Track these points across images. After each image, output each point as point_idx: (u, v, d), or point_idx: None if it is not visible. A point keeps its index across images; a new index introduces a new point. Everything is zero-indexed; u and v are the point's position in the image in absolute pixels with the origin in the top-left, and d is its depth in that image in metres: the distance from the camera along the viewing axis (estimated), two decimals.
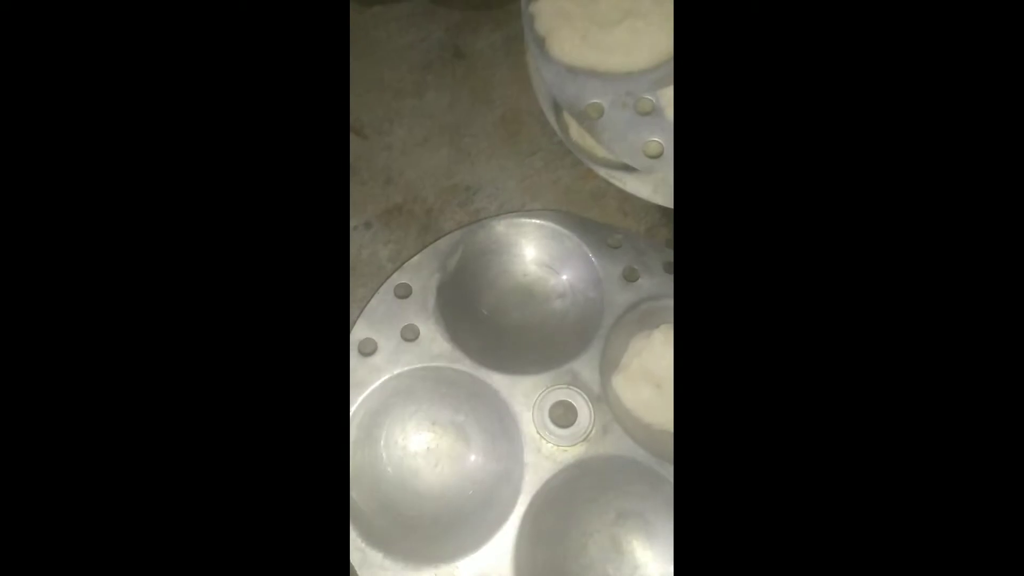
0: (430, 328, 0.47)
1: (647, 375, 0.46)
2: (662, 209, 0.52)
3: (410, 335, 0.47)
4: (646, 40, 0.44)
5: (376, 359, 0.46)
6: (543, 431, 0.44)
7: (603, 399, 0.45)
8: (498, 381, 0.46)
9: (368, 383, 0.46)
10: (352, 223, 0.55)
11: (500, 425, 0.45)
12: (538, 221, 0.51)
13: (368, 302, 0.49)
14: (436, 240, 0.52)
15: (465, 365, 0.46)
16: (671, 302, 0.48)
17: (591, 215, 0.53)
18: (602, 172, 0.49)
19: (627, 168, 0.48)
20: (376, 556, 0.42)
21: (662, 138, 0.43)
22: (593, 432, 0.44)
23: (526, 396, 0.45)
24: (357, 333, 0.47)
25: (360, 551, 0.42)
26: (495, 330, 0.49)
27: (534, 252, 0.51)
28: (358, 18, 0.61)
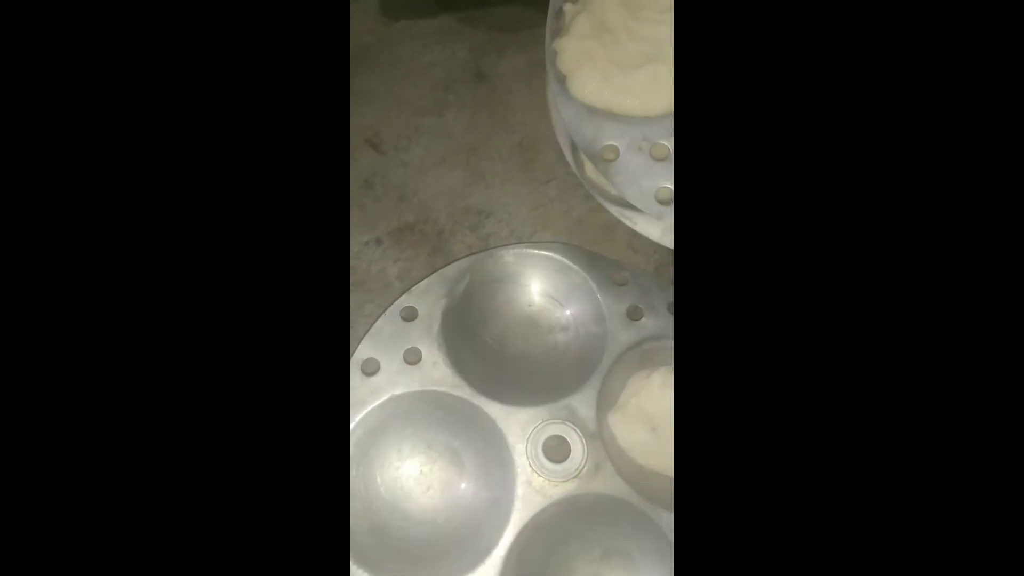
0: (433, 353, 0.48)
1: (643, 416, 0.47)
2: (671, 248, 0.53)
3: (412, 358, 0.48)
4: (666, 86, 0.44)
5: (377, 379, 0.47)
6: (536, 464, 0.45)
7: (598, 436, 0.46)
8: (495, 411, 0.46)
9: (367, 403, 0.47)
10: (363, 238, 0.55)
11: (494, 454, 0.46)
12: (546, 253, 0.51)
13: (374, 322, 0.49)
14: (444, 263, 0.52)
15: (464, 392, 0.47)
16: (672, 343, 0.48)
17: (600, 248, 0.53)
18: (613, 210, 0.50)
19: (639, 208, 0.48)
20: None
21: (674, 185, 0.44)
22: (585, 469, 0.45)
23: (522, 428, 0.46)
24: (361, 353, 0.48)
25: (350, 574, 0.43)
26: (496, 359, 0.50)
27: (540, 284, 0.52)
28: (384, 32, 0.62)
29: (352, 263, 0.55)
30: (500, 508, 0.44)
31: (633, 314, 0.49)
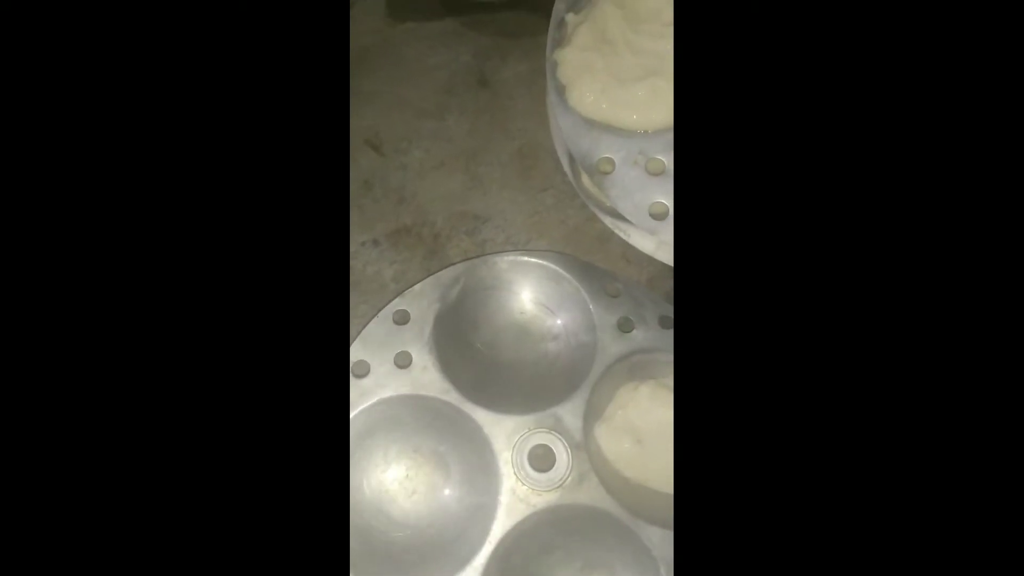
0: (423, 357, 0.48)
1: (630, 428, 0.47)
2: None
3: (403, 362, 0.48)
4: (665, 100, 0.44)
5: (367, 381, 0.47)
6: (520, 473, 0.45)
7: (583, 447, 0.46)
8: (482, 417, 0.46)
9: (356, 405, 0.47)
10: (361, 239, 0.56)
11: (480, 461, 0.46)
12: (540, 261, 0.51)
13: (366, 325, 0.50)
14: (440, 267, 0.53)
15: (452, 397, 0.47)
16: (663, 356, 0.49)
17: (594, 258, 0.53)
18: (608, 222, 0.50)
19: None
20: None
21: (669, 200, 0.44)
22: (569, 480, 0.45)
23: (508, 436, 0.46)
24: (352, 354, 0.48)
25: None
26: (486, 365, 0.50)
27: (533, 292, 0.52)
28: (388, 32, 0.62)
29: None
30: (483, 515, 0.45)
31: (624, 326, 0.49)
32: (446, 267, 0.53)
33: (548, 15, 0.57)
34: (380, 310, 0.51)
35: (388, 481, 0.48)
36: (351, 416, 0.47)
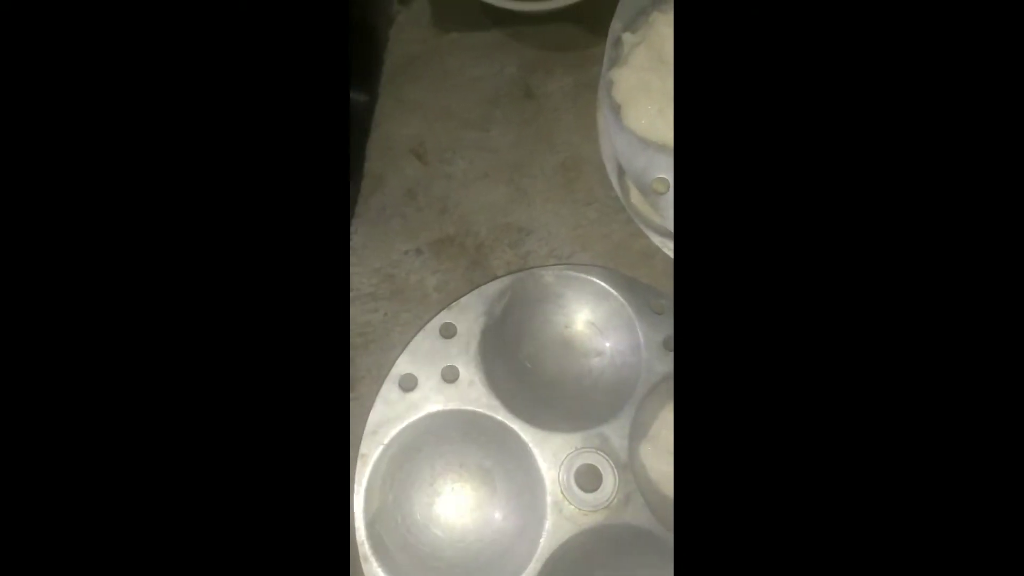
0: (470, 372, 0.48)
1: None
2: None
3: (450, 376, 0.48)
4: None
5: (414, 395, 0.48)
6: (567, 492, 0.45)
7: (629, 467, 0.46)
8: (530, 434, 0.47)
9: (404, 418, 0.47)
10: (404, 248, 0.56)
11: (526, 478, 0.47)
12: (586, 276, 0.51)
13: (413, 336, 0.50)
14: (482, 277, 0.53)
15: (500, 414, 0.47)
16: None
17: (638, 274, 0.53)
18: (655, 239, 0.50)
19: None
20: None
21: None
22: (616, 500, 0.45)
23: (555, 454, 0.46)
24: (399, 367, 0.48)
25: None
26: (532, 381, 0.50)
27: (579, 307, 0.52)
28: (434, 42, 0.62)
29: (391, 271, 0.55)
30: (529, 533, 0.45)
31: (670, 345, 0.49)
32: (490, 279, 0.53)
33: (593, 28, 0.57)
34: (423, 320, 0.52)
35: (435, 495, 0.48)
36: (399, 429, 0.47)
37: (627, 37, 0.47)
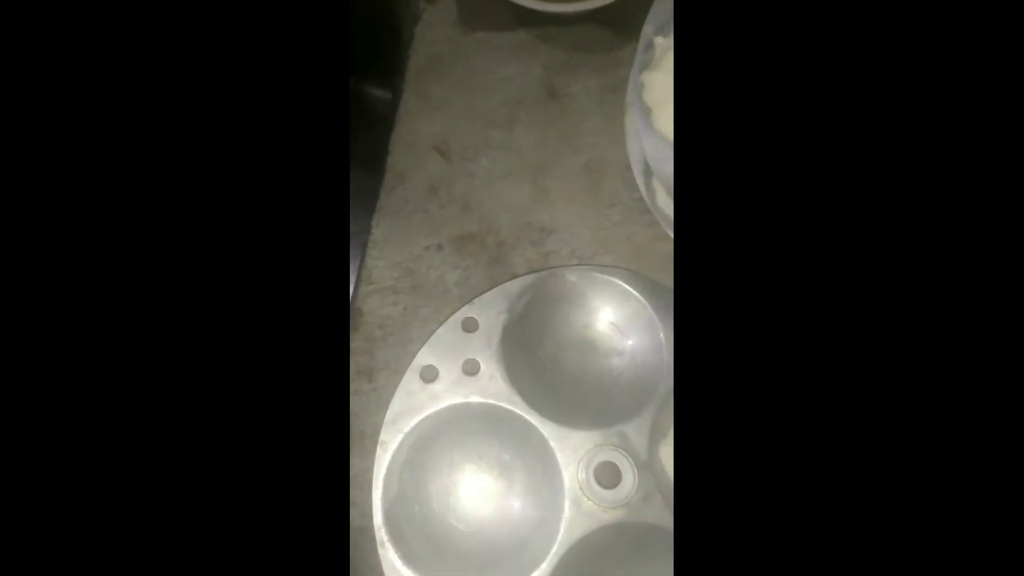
0: (491, 366, 0.48)
1: None
2: None
3: (471, 369, 0.48)
4: None
5: (435, 387, 0.48)
6: (586, 488, 0.46)
7: (648, 466, 0.46)
8: (549, 430, 0.47)
9: (425, 408, 0.47)
10: (425, 243, 0.56)
11: (544, 473, 0.47)
12: (609, 278, 0.52)
13: (435, 330, 0.50)
14: (503, 275, 0.53)
15: (520, 408, 0.47)
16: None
17: (660, 278, 0.54)
18: None
19: None
20: None
21: None
22: (635, 498, 0.46)
23: (574, 450, 0.46)
24: (420, 359, 0.49)
25: (397, 572, 0.44)
26: (552, 378, 0.50)
27: (601, 307, 0.52)
28: (460, 41, 0.62)
29: (412, 266, 0.55)
30: (547, 526, 0.45)
31: None
32: (511, 277, 0.53)
33: (619, 30, 0.57)
34: (443, 315, 0.52)
35: (453, 486, 0.48)
36: (418, 420, 0.47)
37: (659, 41, 0.48)
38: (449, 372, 0.48)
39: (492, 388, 0.48)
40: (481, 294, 0.52)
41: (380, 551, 0.46)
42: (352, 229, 0.54)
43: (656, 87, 0.47)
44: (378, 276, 0.55)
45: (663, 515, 0.45)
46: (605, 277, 0.52)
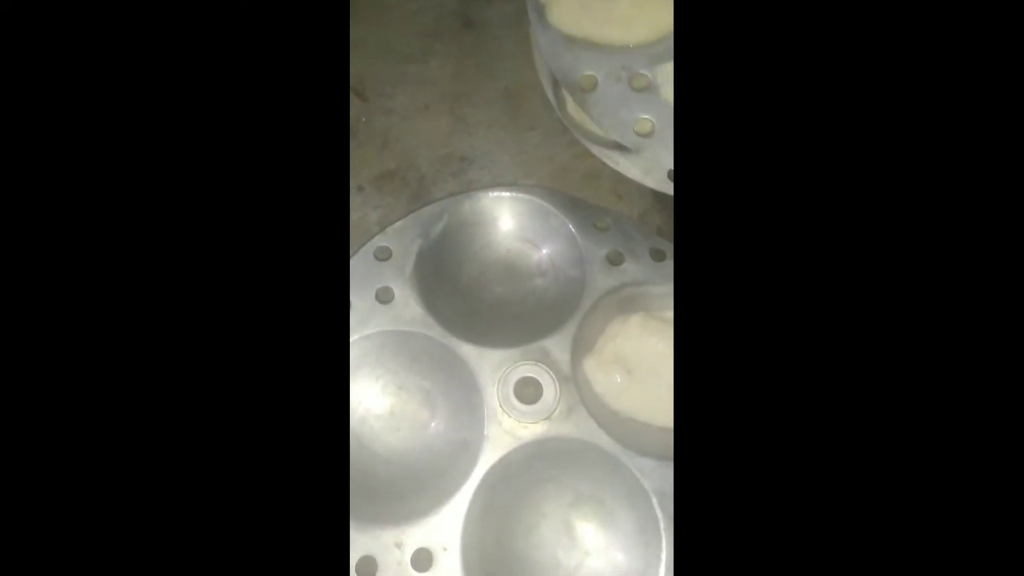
0: (405, 293, 0.46)
1: (620, 360, 0.45)
2: (656, 194, 0.51)
3: (385, 297, 0.46)
4: (647, 14, 0.43)
5: (349, 318, 0.46)
6: (506, 405, 0.43)
7: (571, 380, 0.44)
8: (467, 352, 0.45)
9: None
10: None
11: (465, 396, 0.45)
12: (526, 196, 0.50)
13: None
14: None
15: (436, 332, 0.45)
16: (653, 289, 0.47)
17: (584, 196, 0.52)
18: (595, 150, 0.48)
19: (621, 148, 0.46)
20: None
21: (654, 116, 0.42)
22: (557, 412, 0.43)
23: (493, 369, 0.44)
24: None
25: None
26: (471, 302, 0.48)
27: (518, 227, 0.50)
28: None
29: None
30: (469, 448, 0.43)
31: (614, 259, 0.47)
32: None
33: None
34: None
35: (372, 418, 0.46)
36: None
37: None
38: (362, 302, 0.46)
39: (407, 315, 0.46)
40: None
41: None
42: None
43: None
44: None
45: (588, 428, 0.43)
46: (521, 196, 0.50)
